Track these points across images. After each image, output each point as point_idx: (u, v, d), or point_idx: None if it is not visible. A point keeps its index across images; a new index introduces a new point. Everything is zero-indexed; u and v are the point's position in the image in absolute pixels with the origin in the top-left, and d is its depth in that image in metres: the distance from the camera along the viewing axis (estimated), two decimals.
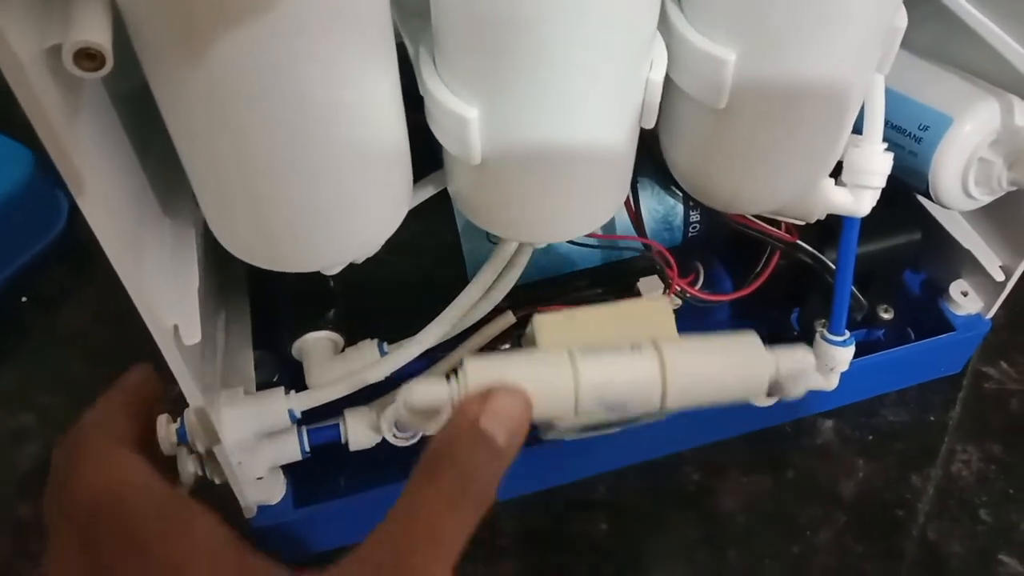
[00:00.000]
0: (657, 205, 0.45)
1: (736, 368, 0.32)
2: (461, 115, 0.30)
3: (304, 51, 0.25)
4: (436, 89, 0.30)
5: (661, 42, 0.32)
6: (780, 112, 0.33)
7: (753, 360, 0.31)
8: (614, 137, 0.31)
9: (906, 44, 0.46)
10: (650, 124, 0.32)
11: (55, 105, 0.23)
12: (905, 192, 0.45)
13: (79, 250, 0.59)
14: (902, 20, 0.33)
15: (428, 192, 0.37)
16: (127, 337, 0.32)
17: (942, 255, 0.50)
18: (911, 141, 0.42)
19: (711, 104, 0.32)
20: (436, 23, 0.29)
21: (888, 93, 0.42)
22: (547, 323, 0.33)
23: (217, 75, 0.25)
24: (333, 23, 0.25)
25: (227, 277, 0.45)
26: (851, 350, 0.44)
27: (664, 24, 0.32)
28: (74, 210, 0.59)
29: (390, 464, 0.39)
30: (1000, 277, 0.47)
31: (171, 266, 0.32)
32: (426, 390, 0.29)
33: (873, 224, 0.41)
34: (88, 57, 0.22)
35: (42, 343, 0.55)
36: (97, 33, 0.22)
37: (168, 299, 0.31)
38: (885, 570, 0.46)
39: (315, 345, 0.41)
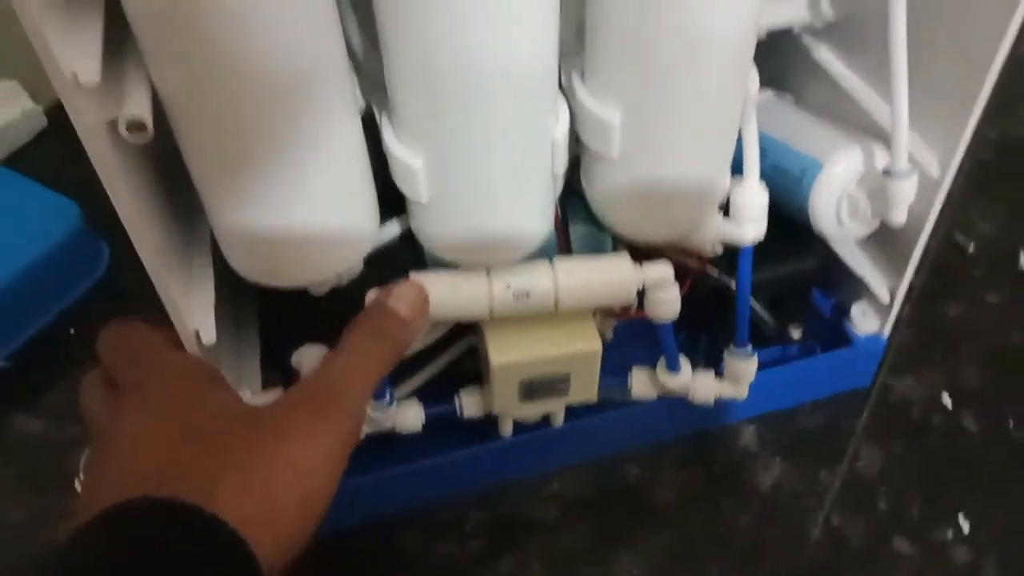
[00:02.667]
0: (589, 238, 0.54)
1: (610, 276, 0.46)
2: (410, 165, 0.39)
3: (289, 119, 0.35)
4: (392, 146, 0.40)
5: (564, 105, 0.41)
6: (662, 161, 0.42)
7: (623, 271, 0.45)
8: (529, 180, 0.41)
9: (798, 99, 0.56)
10: (559, 170, 0.42)
11: (113, 162, 0.33)
12: (807, 224, 0.54)
13: (117, 291, 0.69)
14: (754, 86, 0.43)
15: (396, 229, 0.47)
16: None
17: (843, 280, 0.59)
18: (794, 183, 0.51)
19: (605, 154, 0.42)
20: (391, 97, 0.39)
21: (776, 143, 0.52)
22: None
23: (221, 136, 0.35)
24: (308, 98, 0.35)
25: (240, 302, 0.54)
26: (753, 362, 0.52)
27: (569, 89, 0.42)
28: (113, 257, 0.70)
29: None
30: (886, 300, 0.56)
31: (193, 284, 0.41)
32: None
33: (776, 252, 0.51)
34: (137, 127, 0.32)
35: (87, 367, 0.64)
36: (143, 110, 0.32)
37: (190, 309, 0.40)
38: (793, 549, 0.54)
39: (309, 356, 0.50)
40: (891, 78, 0.46)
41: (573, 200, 0.51)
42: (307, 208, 0.39)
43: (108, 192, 0.34)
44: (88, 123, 0.31)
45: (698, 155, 0.42)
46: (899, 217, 0.48)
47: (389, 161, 0.41)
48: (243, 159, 0.36)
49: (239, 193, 0.37)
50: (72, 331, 0.67)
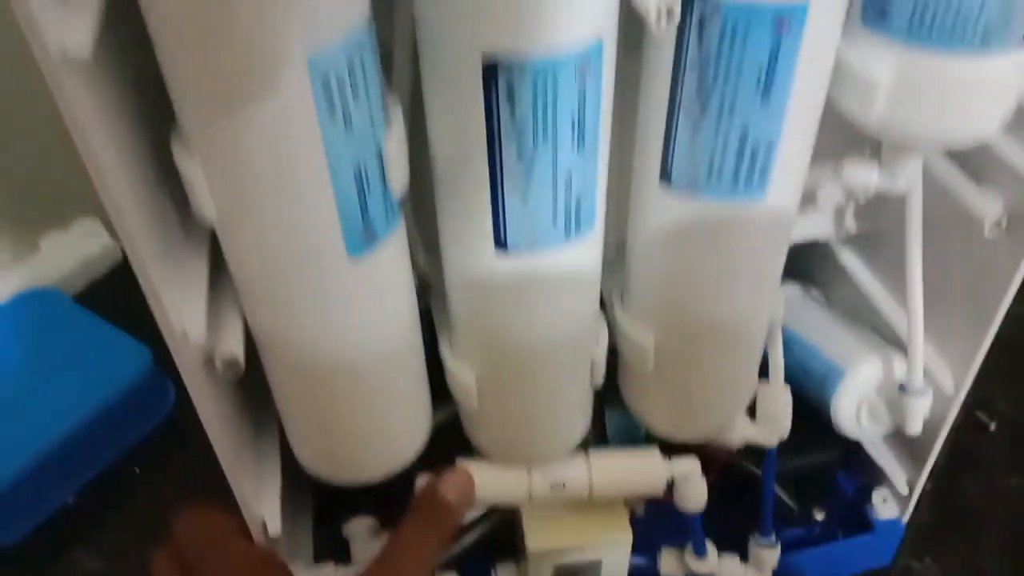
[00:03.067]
0: (623, 423, 0.57)
1: (640, 470, 0.49)
2: (464, 381, 0.44)
3: (358, 356, 0.40)
4: (448, 361, 0.45)
5: (604, 327, 0.46)
6: (693, 377, 0.46)
7: (653, 466, 0.49)
8: (570, 394, 0.45)
9: (824, 295, 0.60)
10: (597, 383, 0.46)
11: (208, 392, 0.38)
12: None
13: (181, 429, 0.73)
14: (778, 311, 0.47)
15: (442, 416, 0.51)
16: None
17: (866, 467, 0.61)
18: (818, 384, 0.55)
19: (642, 370, 0.46)
20: (451, 320, 0.44)
21: (802, 342, 0.56)
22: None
23: (298, 360, 0.40)
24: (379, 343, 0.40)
25: (294, 472, 0.58)
26: (777, 551, 0.55)
27: (609, 303, 0.47)
28: (178, 395, 0.74)
29: None
30: (905, 492, 0.58)
31: (262, 477, 0.46)
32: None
33: (801, 441, 0.54)
34: (231, 364, 0.37)
35: (148, 506, 0.68)
36: (237, 351, 0.37)
37: (259, 501, 0.44)
38: None
39: (360, 528, 0.54)
40: (907, 300, 0.49)
41: (609, 388, 0.55)
42: (369, 418, 0.43)
43: (197, 410, 0.38)
44: (189, 363, 0.36)
45: (727, 373, 0.46)
46: (914, 428, 0.51)
47: (445, 371, 0.46)
48: (320, 391, 0.40)
49: (311, 414, 0.42)
50: (136, 470, 0.71)
